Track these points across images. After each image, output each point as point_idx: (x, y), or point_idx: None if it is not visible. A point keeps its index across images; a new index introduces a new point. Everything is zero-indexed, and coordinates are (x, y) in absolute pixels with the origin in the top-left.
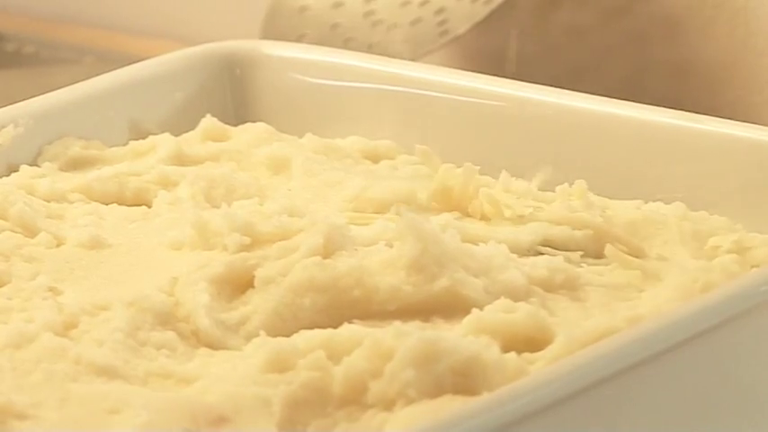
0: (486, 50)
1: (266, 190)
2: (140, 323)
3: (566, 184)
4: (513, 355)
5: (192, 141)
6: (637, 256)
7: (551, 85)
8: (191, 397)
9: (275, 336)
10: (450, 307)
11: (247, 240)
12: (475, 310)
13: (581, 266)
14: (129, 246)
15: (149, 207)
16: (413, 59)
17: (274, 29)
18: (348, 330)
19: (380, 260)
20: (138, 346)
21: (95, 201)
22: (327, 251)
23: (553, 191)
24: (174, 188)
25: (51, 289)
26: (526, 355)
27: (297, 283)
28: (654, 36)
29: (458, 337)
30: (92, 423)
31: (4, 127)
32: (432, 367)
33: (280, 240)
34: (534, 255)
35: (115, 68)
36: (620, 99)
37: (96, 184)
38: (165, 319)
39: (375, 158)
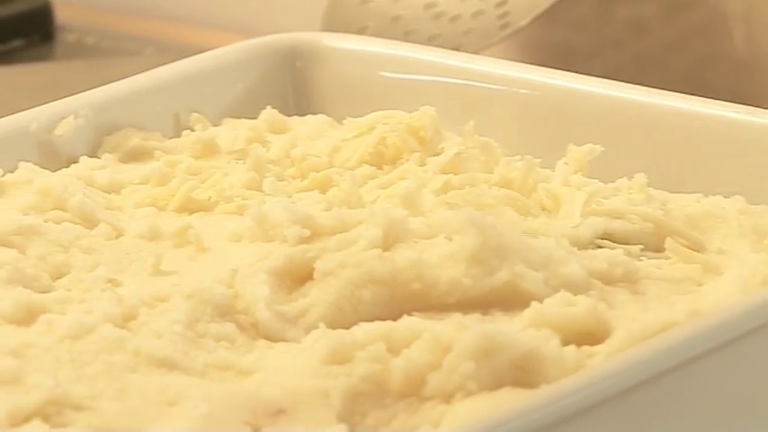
0: (548, 43)
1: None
2: (199, 315)
3: (625, 178)
4: (572, 348)
5: (252, 133)
6: (696, 250)
7: (613, 79)
8: (249, 389)
9: (334, 328)
10: (510, 300)
11: (307, 232)
12: (534, 304)
13: (640, 260)
14: (188, 237)
15: (209, 198)
16: (474, 52)
17: (335, 21)
18: (407, 323)
19: (440, 253)
20: (197, 338)
21: (155, 192)
22: (387, 243)
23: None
24: (234, 179)
25: (110, 280)
26: (585, 348)
27: (356, 275)
28: (717, 29)
29: (517, 330)
30: (149, 415)
31: (64, 118)
32: (491, 360)
33: (339, 232)
34: (594, 248)
35: (176, 60)
36: (683, 92)
37: (156, 176)
38: (225, 311)
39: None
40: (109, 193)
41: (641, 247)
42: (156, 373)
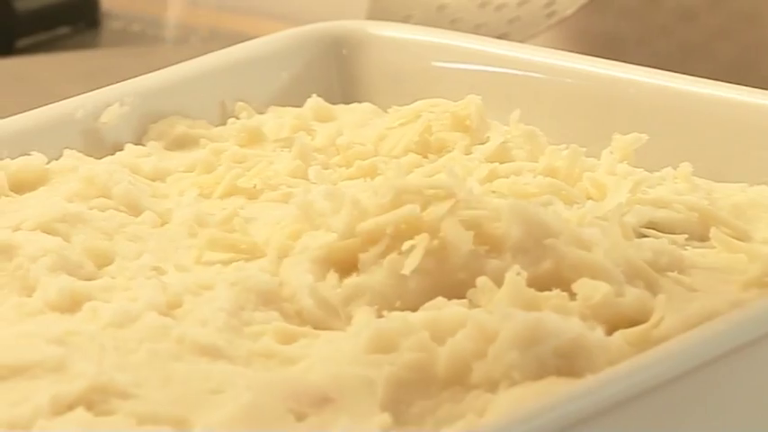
0: (593, 32)
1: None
2: (244, 303)
3: (670, 167)
4: (616, 337)
5: (297, 121)
6: (741, 240)
7: (659, 68)
8: (294, 377)
9: (379, 317)
10: (555, 288)
11: (352, 221)
12: (579, 292)
13: (685, 249)
14: (233, 225)
15: (255, 186)
16: (520, 41)
17: (381, 9)
18: (452, 312)
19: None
20: (242, 326)
21: (200, 180)
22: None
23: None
24: (279, 167)
25: (155, 268)
26: (629, 337)
27: (401, 264)
28: (764, 17)
29: (562, 318)
30: (194, 403)
31: (109, 106)
32: (535, 349)
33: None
34: (639, 237)
35: (222, 48)
36: (729, 80)
37: (201, 164)
38: (269, 298)
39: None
40: (154, 181)
41: (686, 236)
42: (200, 362)
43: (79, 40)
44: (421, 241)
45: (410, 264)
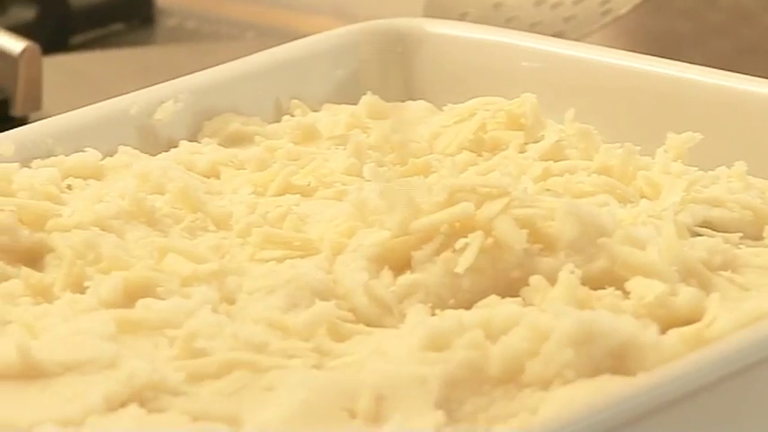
0: (649, 31)
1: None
2: (298, 300)
3: (724, 166)
4: (670, 336)
5: (352, 119)
6: None
7: (714, 67)
8: (348, 375)
9: (433, 315)
10: (608, 287)
11: (407, 219)
12: (633, 291)
13: (739, 248)
14: (287, 223)
15: (309, 184)
16: (575, 39)
17: (437, 7)
18: (505, 310)
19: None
20: (296, 324)
21: (254, 177)
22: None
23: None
24: (334, 165)
25: (208, 265)
26: (683, 336)
27: (455, 262)
28: None
29: (615, 317)
30: (247, 400)
31: (164, 102)
32: (589, 348)
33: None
34: (693, 236)
35: (276, 45)
36: None
37: (255, 161)
38: (323, 296)
39: None
40: (208, 178)
41: (740, 235)
42: (253, 359)
43: (133, 37)
44: (475, 239)
45: (464, 262)
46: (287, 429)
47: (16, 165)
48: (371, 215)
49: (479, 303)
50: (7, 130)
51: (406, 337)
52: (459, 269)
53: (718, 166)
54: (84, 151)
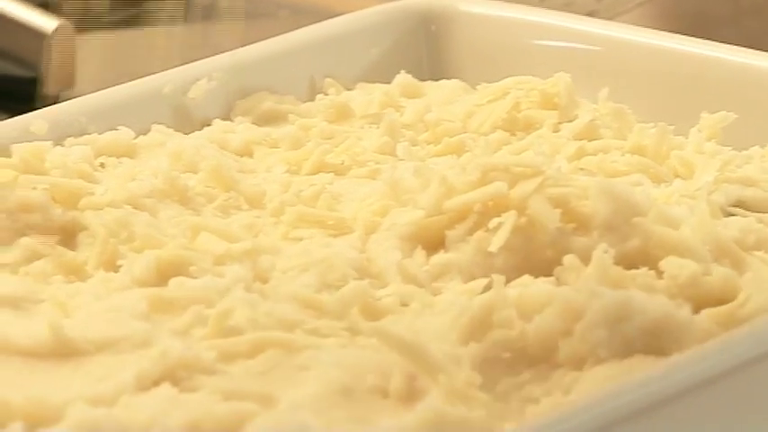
0: (683, 10)
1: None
2: (331, 279)
3: (758, 146)
4: (703, 315)
5: (385, 97)
6: None
7: (748, 47)
8: (381, 354)
9: (466, 294)
10: (642, 267)
11: (440, 198)
12: (667, 271)
13: None
14: (321, 201)
15: (343, 162)
16: (608, 18)
17: None
18: (539, 289)
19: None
20: (329, 302)
21: (288, 156)
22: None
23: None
24: (367, 144)
25: (242, 243)
26: (716, 316)
27: (488, 241)
28: None
29: (648, 297)
30: (280, 379)
31: (197, 81)
32: (622, 327)
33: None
34: (726, 215)
35: (310, 23)
36: None
37: (289, 139)
38: (356, 275)
39: None
40: (241, 157)
41: None
42: (286, 338)
43: (167, 15)
44: (508, 219)
45: (497, 241)
46: (320, 409)
47: (49, 143)
48: (405, 194)
49: (513, 282)
50: (40, 108)
51: (439, 317)
52: (493, 248)
53: (752, 145)
54: (117, 129)
